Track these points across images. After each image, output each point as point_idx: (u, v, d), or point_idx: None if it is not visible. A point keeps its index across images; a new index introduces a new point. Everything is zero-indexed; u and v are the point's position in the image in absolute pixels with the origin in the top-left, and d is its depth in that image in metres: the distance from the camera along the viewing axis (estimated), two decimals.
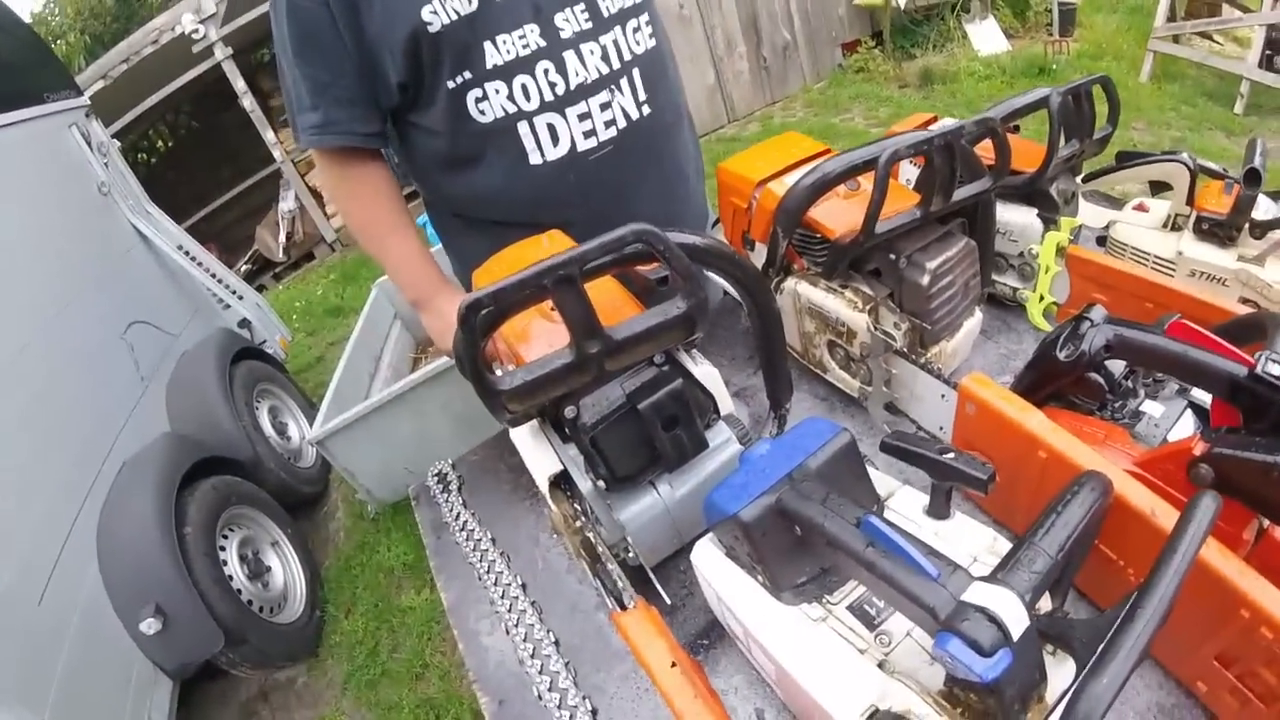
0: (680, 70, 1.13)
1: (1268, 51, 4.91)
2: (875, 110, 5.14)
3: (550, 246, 0.74)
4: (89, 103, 3.36)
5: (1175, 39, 5.22)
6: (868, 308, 0.72)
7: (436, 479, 1.00)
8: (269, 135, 5.93)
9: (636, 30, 1.00)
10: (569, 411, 0.58)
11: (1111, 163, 1.12)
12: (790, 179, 0.74)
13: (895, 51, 5.83)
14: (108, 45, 9.18)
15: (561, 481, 0.63)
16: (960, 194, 0.70)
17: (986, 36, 5.98)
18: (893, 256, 0.69)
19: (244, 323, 3.54)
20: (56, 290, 2.46)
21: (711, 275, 0.59)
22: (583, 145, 0.98)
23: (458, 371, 1.96)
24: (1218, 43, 5.70)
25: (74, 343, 2.39)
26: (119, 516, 2.03)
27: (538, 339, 0.61)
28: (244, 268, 6.10)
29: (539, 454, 0.64)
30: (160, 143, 8.29)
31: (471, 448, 1.08)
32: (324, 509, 3.02)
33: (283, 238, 6.13)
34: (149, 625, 1.84)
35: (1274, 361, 0.53)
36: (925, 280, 0.69)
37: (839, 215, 0.69)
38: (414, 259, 1.10)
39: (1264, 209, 0.91)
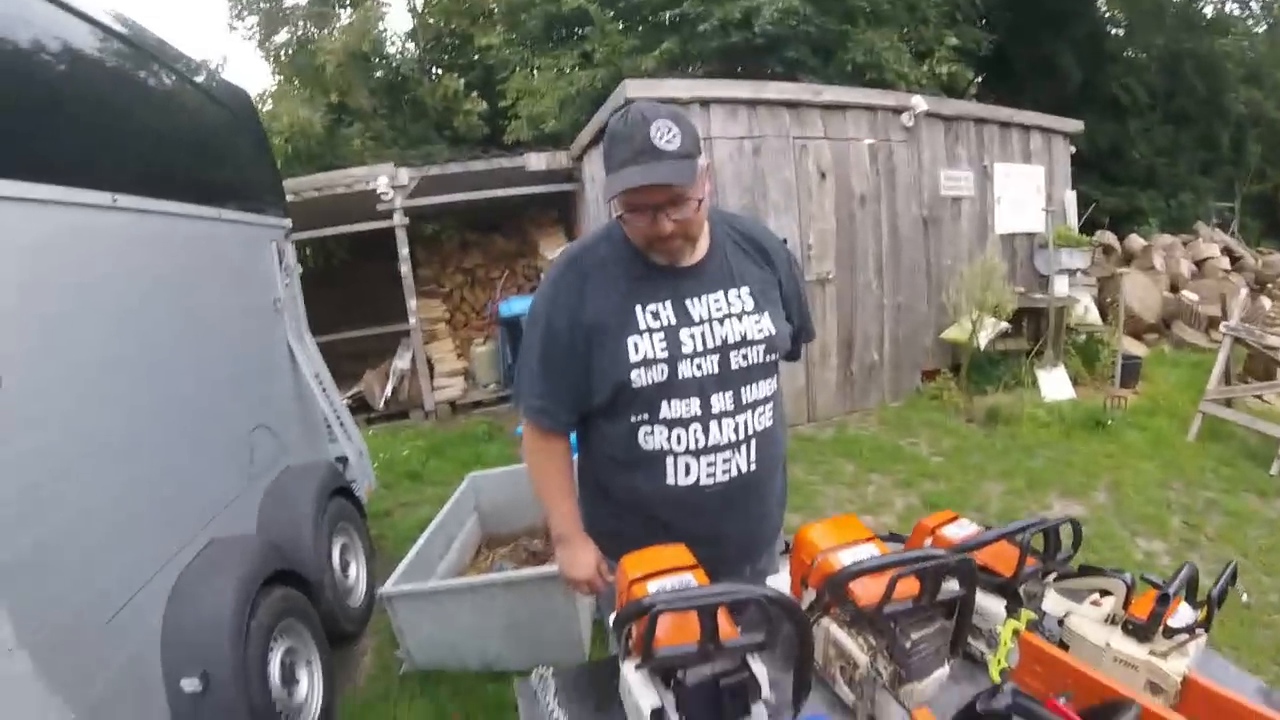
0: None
1: None
2: (939, 440, 5.52)
3: (674, 558, 1.18)
4: (290, 226, 3.92)
5: (1228, 402, 5.52)
6: (870, 653, 1.11)
7: (539, 679, 1.36)
8: (411, 303, 6.74)
9: (761, 415, 1.50)
10: (679, 674, 0.98)
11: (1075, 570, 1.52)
12: (843, 554, 1.18)
13: (969, 386, 6.27)
14: (304, 162, 10.63)
15: (656, 714, 1.00)
16: (942, 595, 1.11)
17: (1055, 384, 6.34)
18: (892, 624, 1.09)
19: (342, 459, 3.94)
20: (221, 373, 2.90)
21: None
22: (704, 482, 1.46)
23: (526, 586, 2.42)
24: (1267, 401, 6.05)
25: (215, 425, 2.79)
26: (200, 584, 2.29)
27: (666, 620, 1.02)
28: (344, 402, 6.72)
29: (646, 691, 1.01)
30: (312, 262, 9.15)
31: (528, 653, 1.42)
32: (355, 649, 3.27)
33: (389, 390, 6.77)
34: (190, 684, 2.06)
35: None
36: (907, 645, 1.08)
37: (867, 589, 1.10)
38: (570, 512, 1.60)
39: (1180, 617, 1.24)
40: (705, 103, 5.41)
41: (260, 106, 12.33)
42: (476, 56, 13.03)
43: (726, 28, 10.50)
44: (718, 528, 1.50)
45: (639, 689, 1.03)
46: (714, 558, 1.30)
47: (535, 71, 11.94)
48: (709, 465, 1.46)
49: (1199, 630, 1.24)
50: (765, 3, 10.12)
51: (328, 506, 3.25)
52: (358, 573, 3.52)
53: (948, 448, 5.36)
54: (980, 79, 13.83)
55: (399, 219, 6.72)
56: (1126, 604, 1.29)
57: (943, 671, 1.17)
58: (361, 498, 3.88)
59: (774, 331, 1.51)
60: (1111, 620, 1.30)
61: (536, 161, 7.51)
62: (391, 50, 13.50)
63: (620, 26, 11.81)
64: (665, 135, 1.30)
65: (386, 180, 6.53)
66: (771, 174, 5.67)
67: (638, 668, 1.03)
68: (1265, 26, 20.64)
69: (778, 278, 1.59)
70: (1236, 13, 20.20)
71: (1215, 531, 4.09)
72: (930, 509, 4.27)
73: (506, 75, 12.09)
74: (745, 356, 1.47)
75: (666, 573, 1.13)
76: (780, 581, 1.40)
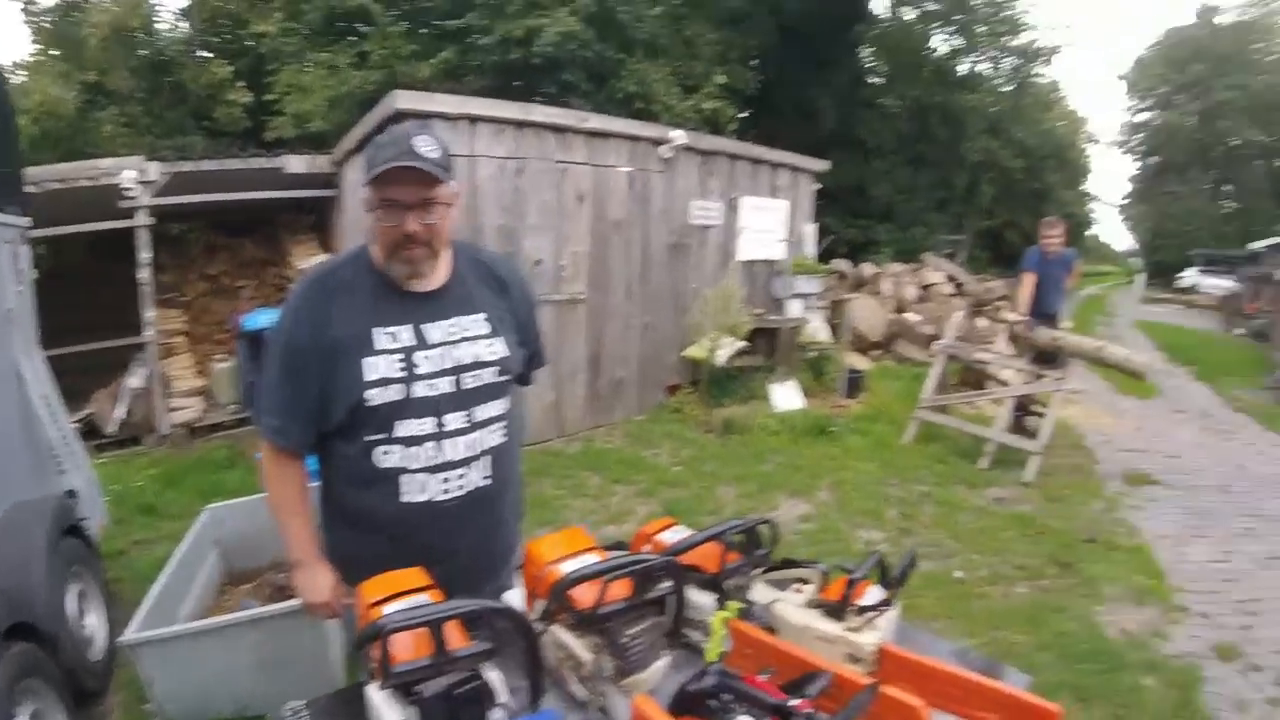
0: (526, 391, 1.76)
1: (1018, 413, 6.26)
2: (680, 451, 5.91)
3: (410, 580, 1.28)
4: (29, 225, 3.50)
5: (943, 409, 6.44)
6: (595, 651, 1.26)
7: (291, 712, 1.38)
8: (149, 312, 6.08)
9: (494, 432, 1.65)
10: (417, 688, 1.07)
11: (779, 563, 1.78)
12: (566, 564, 1.33)
13: (709, 399, 6.84)
14: (51, 146, 9.32)
15: None
16: (653, 594, 1.31)
17: (786, 396, 7.07)
18: (609, 623, 1.26)
19: (71, 493, 3.53)
20: None
21: None
22: (439, 498, 1.58)
23: (273, 623, 2.39)
24: (977, 407, 7.09)
25: None
26: None
27: (402, 639, 1.11)
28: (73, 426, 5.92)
29: (389, 709, 1.10)
30: (45, 263, 8.03)
31: (282, 691, 1.48)
32: (101, 707, 2.99)
33: (121, 412, 6.07)
34: None
35: (796, 701, 1.08)
36: (623, 641, 1.25)
37: (586, 594, 1.25)
38: (307, 535, 1.65)
39: (869, 597, 1.48)
40: (474, 120, 5.47)
41: (11, 78, 10.67)
42: (250, 43, 12.15)
43: (507, 44, 10.72)
44: (454, 543, 1.62)
45: (383, 708, 1.12)
46: (454, 575, 1.40)
47: (308, 66, 11.36)
48: (443, 481, 1.57)
49: (885, 607, 1.49)
50: (548, 24, 10.44)
51: (60, 547, 2.92)
52: (96, 621, 3.17)
53: (687, 457, 5.77)
54: (745, 114, 15.09)
55: (143, 218, 6.05)
56: (823, 589, 1.56)
57: (663, 662, 1.34)
58: (94, 536, 3.49)
59: (507, 354, 1.67)
60: (811, 604, 1.54)
61: (296, 164, 7.17)
62: (162, 27, 12.19)
63: (402, 28, 11.57)
64: (425, 146, 1.45)
65: (133, 175, 5.86)
66: (532, 195, 5.83)
67: (380, 688, 1.12)
68: (1012, 87, 24.39)
69: (513, 307, 1.75)
70: (987, 72, 23.76)
71: (929, 519, 4.78)
72: (670, 515, 4.47)
73: (277, 67, 11.44)
74: (478, 377, 1.61)
75: (402, 595, 1.23)
76: (517, 596, 1.54)
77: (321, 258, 7.78)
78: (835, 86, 16.34)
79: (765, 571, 1.69)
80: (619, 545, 1.67)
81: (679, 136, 6.71)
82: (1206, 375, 12.19)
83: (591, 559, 1.35)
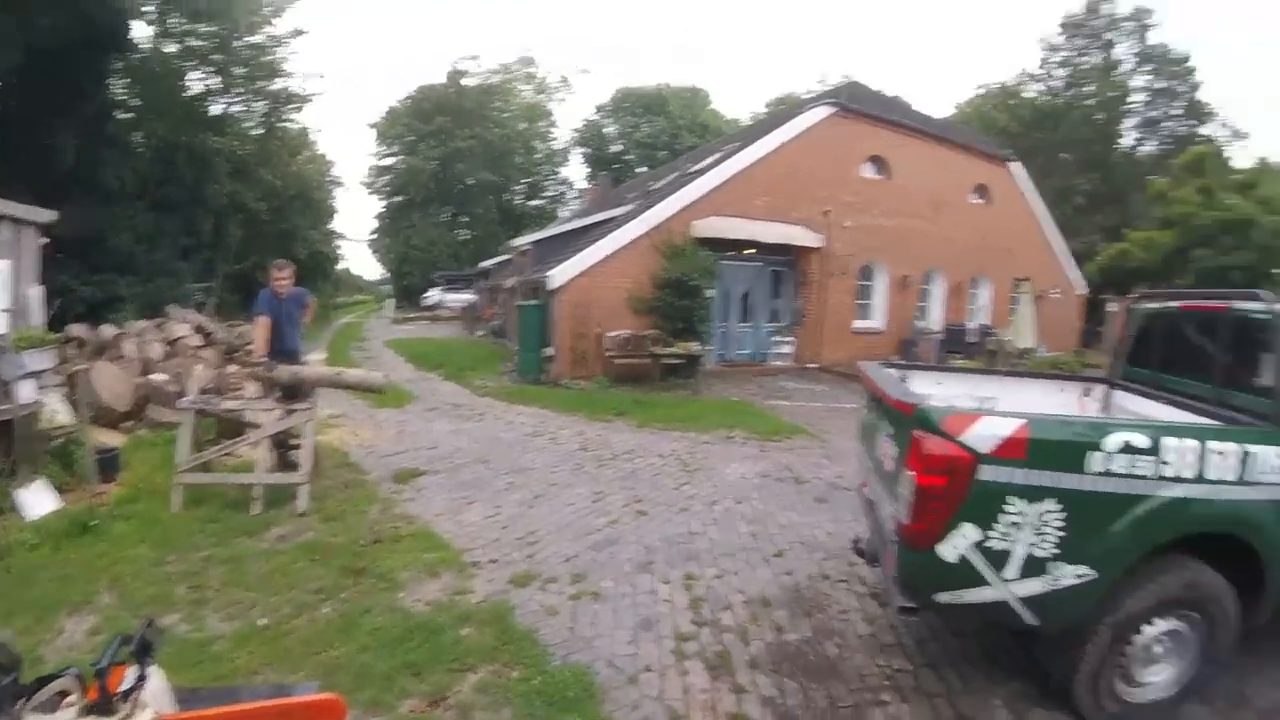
0: None
1: (281, 450, 6.45)
2: None
3: None
4: None
5: (205, 467, 6.24)
6: None
7: None
8: None
9: None
10: None
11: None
12: None
13: None
14: None
15: None
16: None
17: (37, 499, 5.94)
18: None
19: None
20: None
21: None
22: None
23: None
24: (238, 455, 6.88)
25: None
26: None
27: None
28: None
29: None
30: None
31: None
32: None
33: None
34: None
35: None
36: None
37: None
38: None
39: (127, 680, 1.57)
40: None
41: None
42: None
43: None
44: None
45: None
46: None
47: None
48: None
49: (143, 682, 1.63)
50: None
51: None
52: None
53: None
54: None
55: None
56: (87, 692, 1.61)
57: None
58: None
59: None
60: (82, 712, 1.58)
61: None
62: None
63: None
64: None
65: None
66: None
67: None
68: (262, 130, 24.47)
69: None
70: (239, 114, 23.32)
71: (220, 581, 4.70)
72: None
73: None
74: None
75: None
76: None
77: None
78: (79, 119, 14.25)
79: (28, 699, 1.64)
80: None
81: None
82: (454, 375, 15.07)
83: None
